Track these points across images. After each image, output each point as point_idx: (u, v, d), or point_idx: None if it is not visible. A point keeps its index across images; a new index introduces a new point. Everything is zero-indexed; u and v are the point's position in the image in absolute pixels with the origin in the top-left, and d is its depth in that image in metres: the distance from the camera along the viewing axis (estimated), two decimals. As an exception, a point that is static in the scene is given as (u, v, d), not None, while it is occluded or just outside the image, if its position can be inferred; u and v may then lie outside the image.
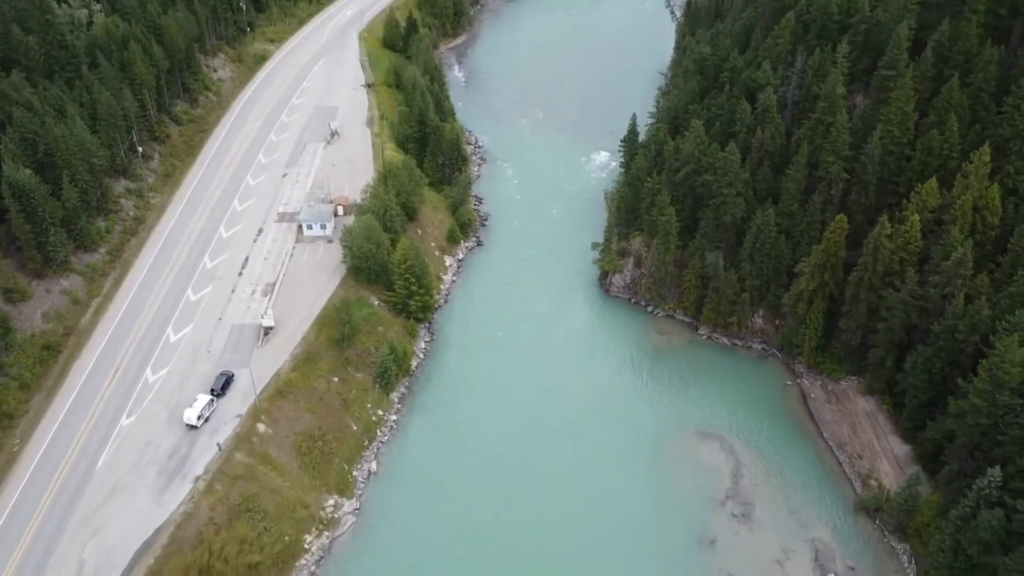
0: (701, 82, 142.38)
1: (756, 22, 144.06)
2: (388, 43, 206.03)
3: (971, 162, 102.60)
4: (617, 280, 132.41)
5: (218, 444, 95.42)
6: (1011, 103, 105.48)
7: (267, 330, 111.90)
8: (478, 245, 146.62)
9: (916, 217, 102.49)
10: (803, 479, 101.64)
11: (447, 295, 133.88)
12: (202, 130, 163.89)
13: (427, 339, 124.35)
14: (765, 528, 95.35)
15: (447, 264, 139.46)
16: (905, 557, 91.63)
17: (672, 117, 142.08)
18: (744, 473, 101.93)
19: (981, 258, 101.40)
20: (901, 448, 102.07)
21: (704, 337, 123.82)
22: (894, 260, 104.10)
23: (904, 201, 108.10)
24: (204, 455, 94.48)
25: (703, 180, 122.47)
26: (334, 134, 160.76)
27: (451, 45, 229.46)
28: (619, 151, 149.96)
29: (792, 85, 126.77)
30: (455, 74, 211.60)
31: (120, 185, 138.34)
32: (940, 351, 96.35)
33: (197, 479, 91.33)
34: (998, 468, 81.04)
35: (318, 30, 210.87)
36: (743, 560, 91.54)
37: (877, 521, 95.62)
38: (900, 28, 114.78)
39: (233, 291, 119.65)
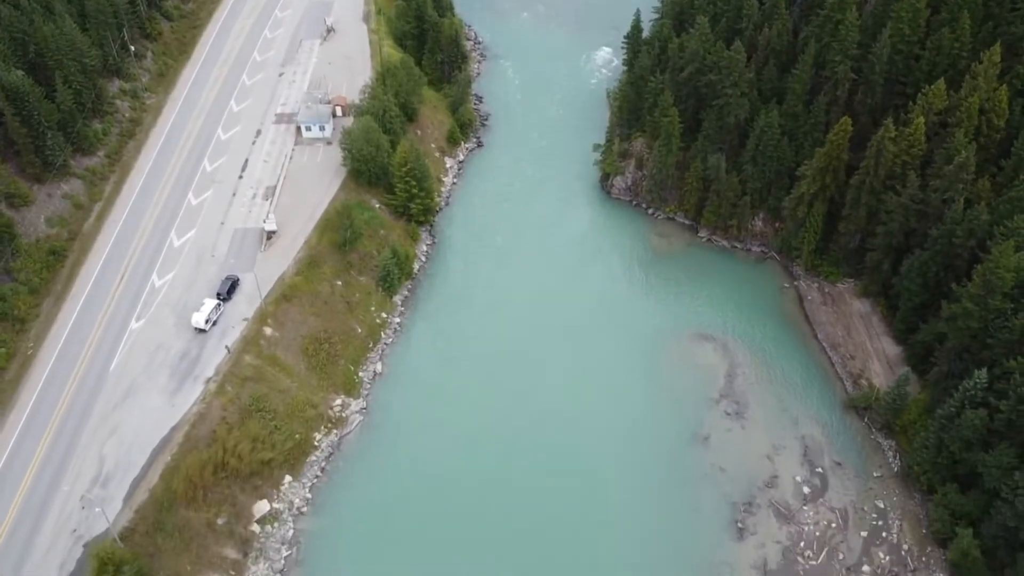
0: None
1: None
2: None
3: (981, 62, 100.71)
4: (618, 182, 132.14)
5: (227, 347, 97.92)
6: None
7: (270, 234, 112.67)
8: (479, 146, 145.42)
9: (921, 120, 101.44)
10: (796, 379, 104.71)
11: (448, 197, 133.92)
12: (194, 26, 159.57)
13: (428, 242, 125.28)
14: (757, 425, 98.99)
15: (447, 166, 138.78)
16: (890, 453, 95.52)
17: (677, 12, 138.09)
18: (739, 373, 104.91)
19: (984, 161, 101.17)
20: (893, 349, 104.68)
21: (704, 240, 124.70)
22: (896, 164, 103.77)
23: (910, 103, 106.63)
24: (214, 357, 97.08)
25: (707, 80, 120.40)
26: (330, 30, 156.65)
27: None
28: (622, 48, 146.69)
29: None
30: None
31: (114, 86, 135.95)
32: (936, 255, 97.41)
33: (208, 380, 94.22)
34: (984, 370, 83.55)
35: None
36: (735, 456, 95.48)
37: (865, 419, 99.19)
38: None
39: (234, 195, 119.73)
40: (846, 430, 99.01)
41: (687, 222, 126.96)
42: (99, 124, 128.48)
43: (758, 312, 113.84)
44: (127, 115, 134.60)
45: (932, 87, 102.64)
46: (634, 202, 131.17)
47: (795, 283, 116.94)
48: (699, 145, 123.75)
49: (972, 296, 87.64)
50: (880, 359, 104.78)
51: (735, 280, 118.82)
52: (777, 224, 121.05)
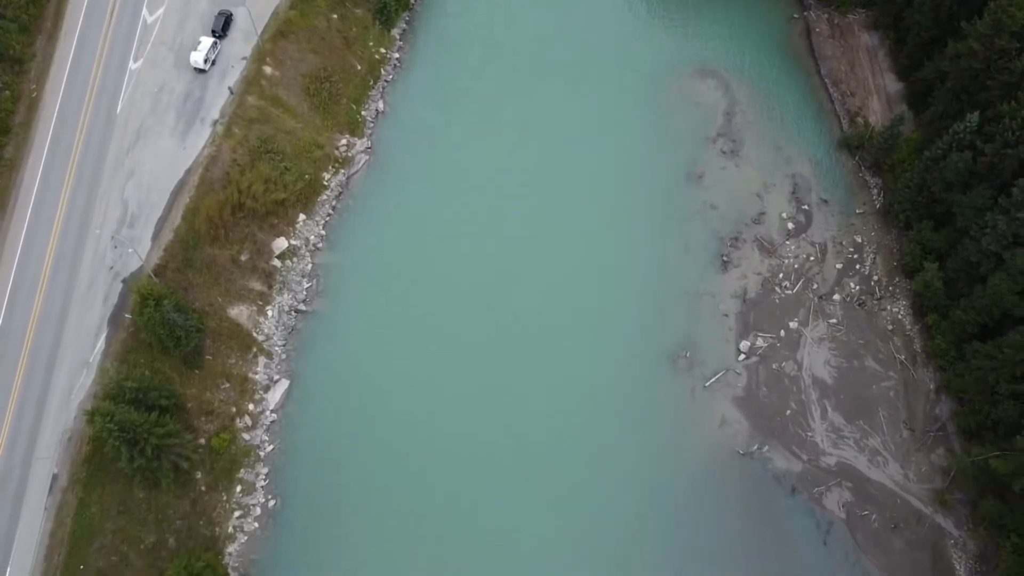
0: None
1: None
2: None
3: None
4: None
5: (229, 88, 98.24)
6: None
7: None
8: None
9: None
10: (794, 116, 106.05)
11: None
12: None
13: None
14: (751, 164, 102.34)
15: None
16: (876, 191, 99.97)
17: None
18: (737, 111, 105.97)
19: None
20: (895, 87, 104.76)
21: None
22: None
23: None
24: (217, 99, 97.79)
25: None
26: None
27: None
28: None
29: None
30: None
31: None
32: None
33: (215, 123, 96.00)
34: (977, 113, 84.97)
35: None
36: (726, 193, 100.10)
37: (857, 157, 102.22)
38: None
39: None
40: (836, 168, 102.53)
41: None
42: None
43: (763, 46, 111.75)
44: None
45: None
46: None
47: (805, 13, 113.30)
48: None
49: (979, 36, 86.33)
50: (880, 96, 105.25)
51: (744, 9, 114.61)
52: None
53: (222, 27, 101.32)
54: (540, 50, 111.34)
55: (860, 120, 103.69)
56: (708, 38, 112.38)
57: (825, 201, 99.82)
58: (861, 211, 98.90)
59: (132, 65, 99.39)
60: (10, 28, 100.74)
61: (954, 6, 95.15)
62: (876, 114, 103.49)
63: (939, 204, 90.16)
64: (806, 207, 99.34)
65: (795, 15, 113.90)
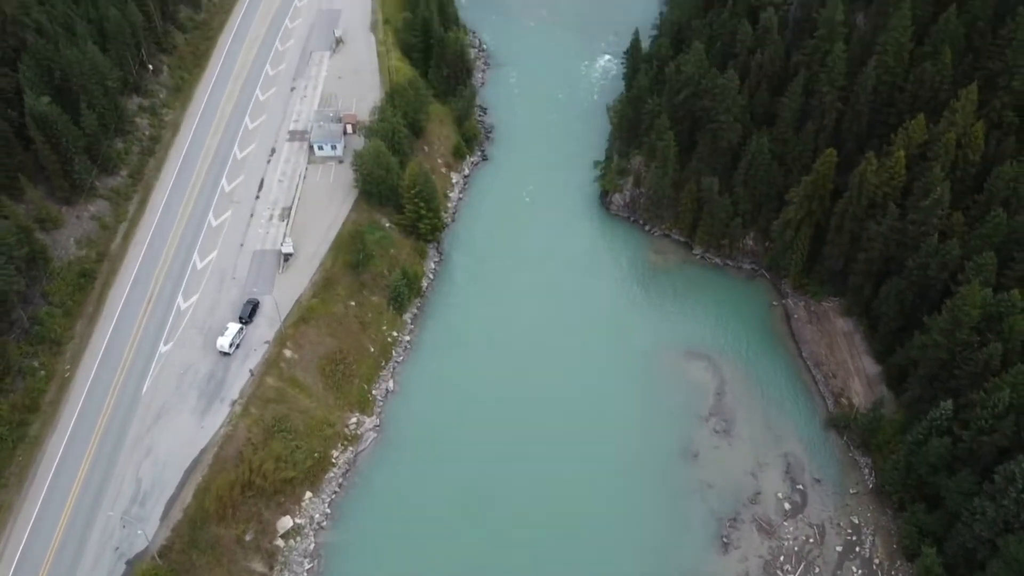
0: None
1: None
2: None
3: (959, 99, 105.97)
4: (617, 199, 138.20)
5: (251, 370, 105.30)
6: (1004, 35, 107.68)
7: (287, 256, 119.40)
8: (483, 159, 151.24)
9: (901, 153, 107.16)
10: (781, 396, 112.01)
11: (454, 213, 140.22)
12: (208, 37, 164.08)
13: (436, 259, 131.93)
14: (743, 442, 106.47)
15: (453, 181, 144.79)
16: (867, 470, 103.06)
17: (675, 31, 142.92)
18: (727, 390, 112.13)
19: (962, 193, 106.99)
20: (873, 368, 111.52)
21: (698, 257, 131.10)
22: (878, 194, 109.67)
23: (893, 134, 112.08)
24: (238, 380, 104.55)
25: (702, 105, 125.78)
26: (339, 41, 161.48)
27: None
28: (622, 62, 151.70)
29: (794, 5, 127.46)
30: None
31: (133, 103, 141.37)
32: (912, 285, 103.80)
33: (234, 403, 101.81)
34: (950, 401, 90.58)
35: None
36: (721, 472, 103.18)
37: (844, 437, 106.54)
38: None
39: (252, 215, 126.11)
40: (827, 446, 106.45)
41: (682, 239, 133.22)
42: (121, 143, 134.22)
43: (748, 329, 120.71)
44: (147, 132, 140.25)
45: (912, 122, 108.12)
46: (632, 218, 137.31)
47: (783, 301, 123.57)
48: (694, 166, 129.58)
49: (941, 329, 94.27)
50: (861, 377, 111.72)
51: (727, 297, 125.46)
52: (767, 243, 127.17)
53: (249, 314, 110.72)
54: (541, 326, 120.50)
55: (844, 401, 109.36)
56: (697, 321, 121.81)
57: (818, 480, 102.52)
58: (855, 491, 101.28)
59: (162, 348, 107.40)
60: (55, 313, 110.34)
61: (916, 299, 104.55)
62: (859, 395, 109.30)
63: (928, 486, 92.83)
64: (800, 487, 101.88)
65: (774, 302, 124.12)
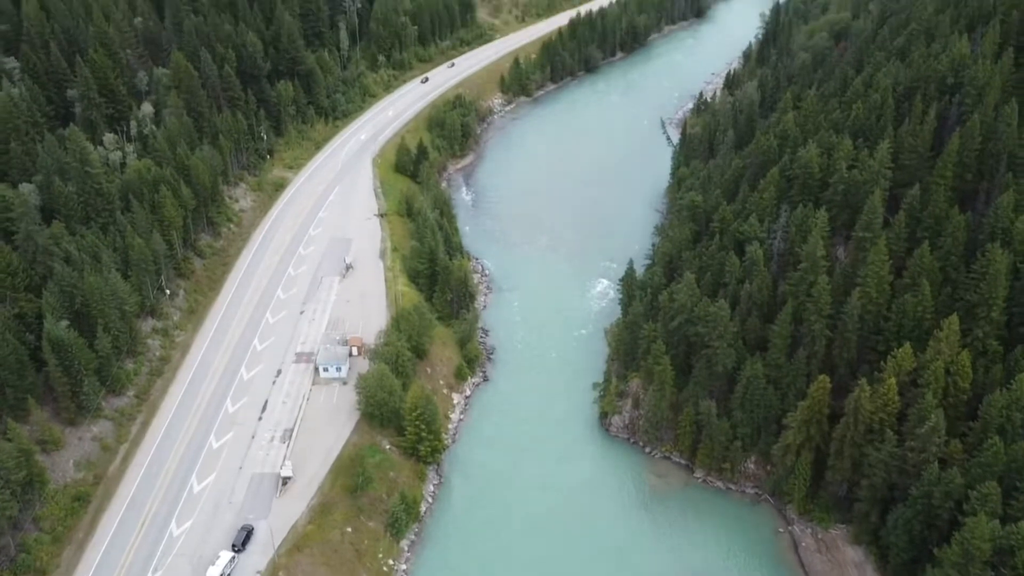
0: (693, 228, 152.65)
1: (744, 173, 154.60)
2: (400, 168, 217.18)
3: (942, 329, 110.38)
4: (616, 421, 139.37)
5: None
6: (978, 270, 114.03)
7: (285, 480, 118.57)
8: (484, 380, 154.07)
9: (893, 380, 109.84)
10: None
11: (455, 434, 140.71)
12: (224, 263, 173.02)
13: (435, 481, 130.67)
14: None
15: (455, 402, 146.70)
16: None
17: (667, 261, 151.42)
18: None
19: (956, 419, 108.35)
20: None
21: (700, 480, 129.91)
22: (874, 420, 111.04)
23: (881, 363, 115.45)
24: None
25: (695, 331, 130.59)
26: (349, 267, 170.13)
27: (459, 166, 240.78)
28: (618, 288, 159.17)
29: (777, 239, 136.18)
30: (463, 196, 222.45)
31: (147, 325, 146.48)
32: (919, 514, 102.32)
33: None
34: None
35: (333, 156, 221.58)
36: None
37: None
38: (874, 196, 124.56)
39: (253, 437, 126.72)
40: None
41: (683, 462, 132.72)
42: (131, 364, 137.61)
43: (755, 558, 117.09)
44: (157, 353, 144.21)
45: (899, 351, 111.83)
46: (632, 440, 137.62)
47: (789, 527, 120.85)
48: (691, 389, 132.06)
49: (953, 563, 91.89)
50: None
51: (732, 524, 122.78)
52: (769, 467, 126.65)
53: (243, 541, 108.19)
54: (543, 553, 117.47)
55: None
56: (701, 549, 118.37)
57: None
58: None
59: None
60: (44, 540, 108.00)
61: (924, 530, 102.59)
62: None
63: None
64: None
65: (780, 528, 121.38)
